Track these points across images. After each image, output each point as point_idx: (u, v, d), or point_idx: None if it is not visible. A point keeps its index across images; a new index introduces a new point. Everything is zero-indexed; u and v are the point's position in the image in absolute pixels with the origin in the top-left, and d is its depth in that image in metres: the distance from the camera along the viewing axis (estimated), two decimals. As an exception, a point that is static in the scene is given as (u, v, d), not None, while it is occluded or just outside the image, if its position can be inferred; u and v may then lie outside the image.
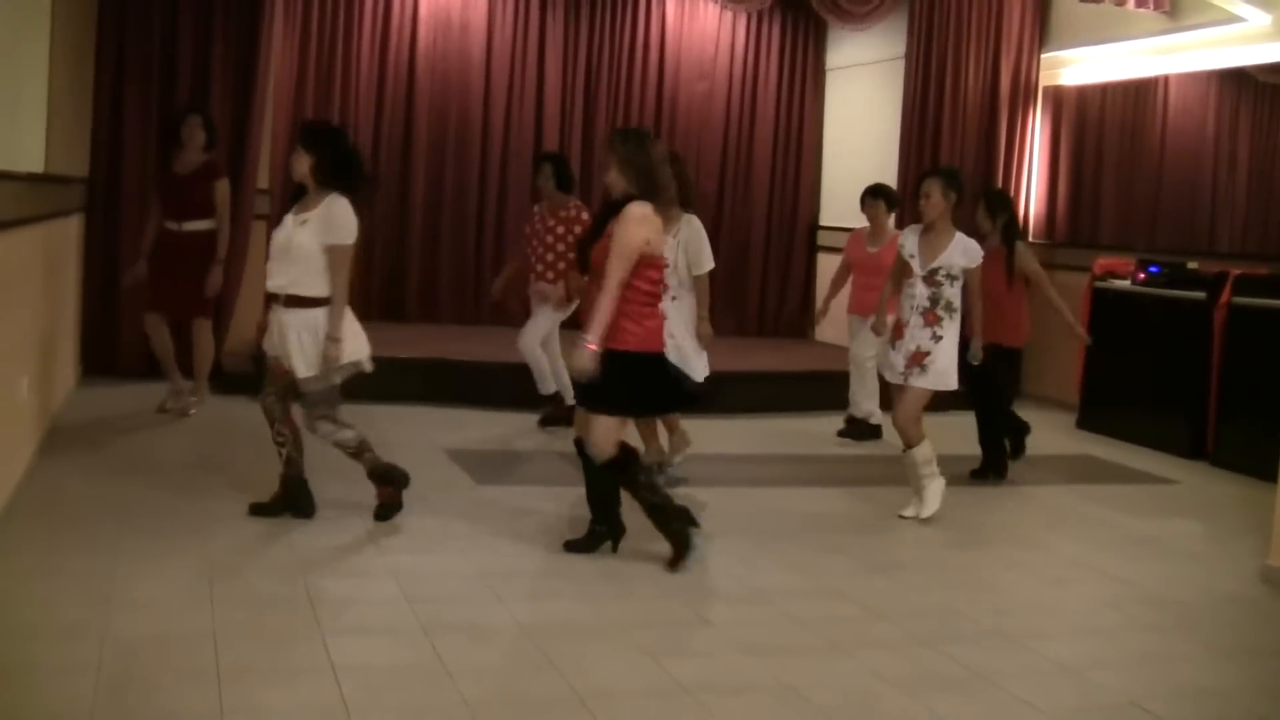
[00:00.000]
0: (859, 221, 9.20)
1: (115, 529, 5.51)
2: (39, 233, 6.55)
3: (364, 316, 11.02)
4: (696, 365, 6.98)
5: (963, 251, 6.64)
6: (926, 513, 6.71)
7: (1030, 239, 11.22)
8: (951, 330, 6.66)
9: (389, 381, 8.87)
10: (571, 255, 7.98)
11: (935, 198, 6.66)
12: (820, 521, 6.67)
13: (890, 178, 11.25)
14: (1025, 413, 10.33)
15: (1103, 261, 10.03)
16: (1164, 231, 9.96)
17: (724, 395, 9.34)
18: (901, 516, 6.73)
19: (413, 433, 7.96)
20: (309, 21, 11.08)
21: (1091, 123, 10.80)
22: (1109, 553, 6.47)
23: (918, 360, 6.64)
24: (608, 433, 5.47)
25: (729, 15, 12.54)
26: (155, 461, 6.85)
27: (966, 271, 6.67)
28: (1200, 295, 8.99)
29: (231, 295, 9.00)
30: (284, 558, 5.35)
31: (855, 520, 6.71)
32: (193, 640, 4.32)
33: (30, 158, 6.31)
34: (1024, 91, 11.28)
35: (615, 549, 5.73)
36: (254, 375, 8.76)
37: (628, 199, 5.36)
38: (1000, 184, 11.17)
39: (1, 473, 5.66)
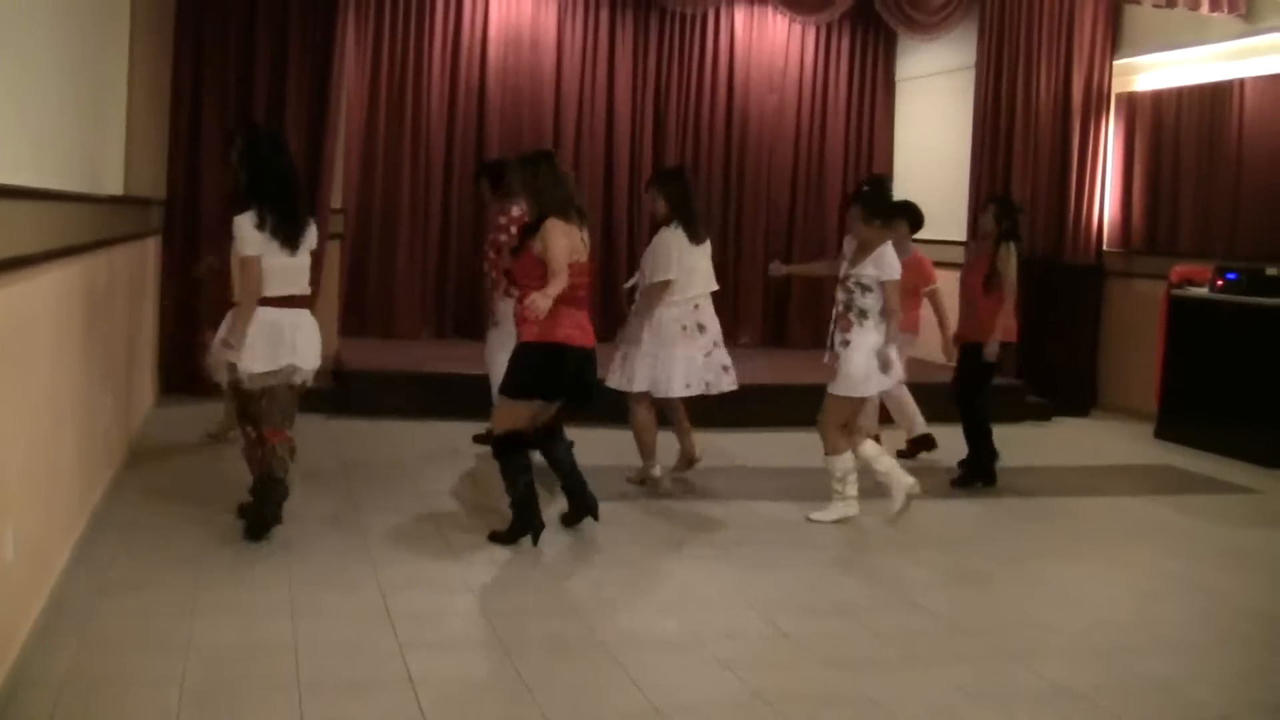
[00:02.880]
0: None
1: (198, 543, 5.57)
2: (120, 254, 6.65)
3: (439, 334, 11.35)
4: (677, 375, 7.00)
5: (873, 262, 6.52)
6: (825, 518, 6.67)
7: (1105, 247, 11.11)
8: (862, 337, 6.52)
9: (468, 396, 8.95)
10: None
11: (861, 228, 6.64)
12: (898, 533, 6.60)
13: (962, 188, 11.21)
14: (1103, 424, 10.23)
15: (1180, 269, 9.88)
16: (1242, 238, 9.79)
17: (793, 407, 9.34)
18: (808, 518, 6.72)
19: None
20: (380, 41, 11.22)
21: (1166, 129, 10.64)
22: (1199, 564, 6.35)
23: (832, 365, 6.67)
24: (507, 414, 5.92)
25: (798, 27, 12.52)
26: (234, 478, 6.90)
27: (881, 283, 6.51)
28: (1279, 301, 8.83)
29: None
30: (363, 571, 5.38)
31: (934, 532, 6.63)
32: (275, 652, 4.36)
33: (110, 181, 6.42)
34: (1097, 99, 11.15)
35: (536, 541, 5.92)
36: (328, 391, 8.89)
37: (542, 218, 5.83)
38: (1074, 193, 11.05)
39: (88, 489, 5.75)
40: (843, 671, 4.55)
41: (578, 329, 5.88)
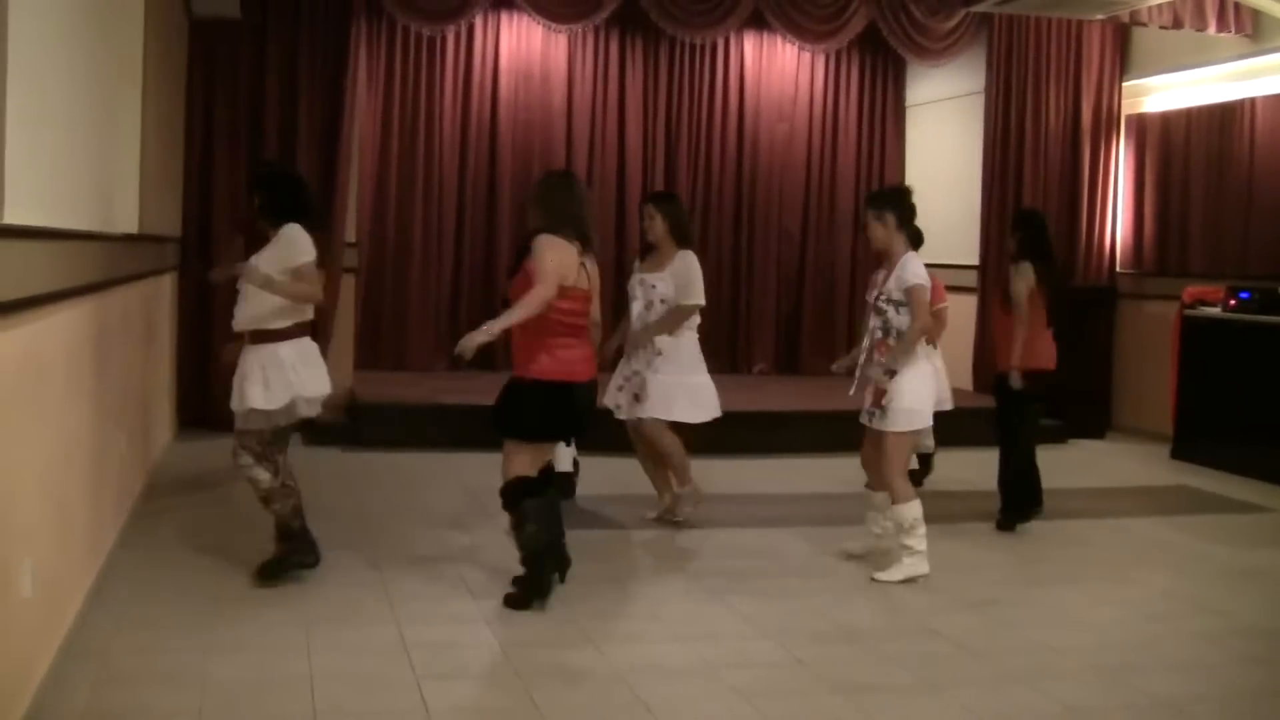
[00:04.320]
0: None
1: (214, 578, 5.61)
2: (135, 291, 6.72)
3: (453, 366, 11.36)
4: (679, 403, 6.89)
5: (897, 274, 6.14)
6: (892, 578, 6.09)
7: (1118, 269, 11.11)
8: (909, 362, 6.12)
9: (476, 428, 8.99)
10: None
11: (873, 226, 6.28)
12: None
13: (974, 212, 11.21)
14: (1119, 445, 10.22)
15: (1192, 289, 9.88)
16: (1254, 257, 9.79)
17: (807, 433, 9.38)
18: (873, 579, 6.13)
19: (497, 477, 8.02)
20: (393, 76, 11.30)
21: (1176, 149, 10.67)
22: (1206, 585, 6.35)
23: (878, 400, 6.15)
24: (516, 460, 5.52)
25: (807, 56, 12.57)
26: (250, 512, 6.94)
27: (907, 289, 6.09)
28: (1293, 320, 8.84)
29: (322, 349, 9.11)
30: (379, 604, 5.41)
31: (944, 557, 6.63)
32: (290, 685, 4.39)
33: (124, 219, 6.49)
34: (1106, 120, 11.19)
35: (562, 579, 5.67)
36: (344, 425, 8.95)
37: (537, 233, 5.52)
38: (1086, 215, 11.07)
39: (104, 525, 5.79)
40: (855, 697, 4.56)
41: (582, 362, 5.56)
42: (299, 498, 5.73)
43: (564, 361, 5.46)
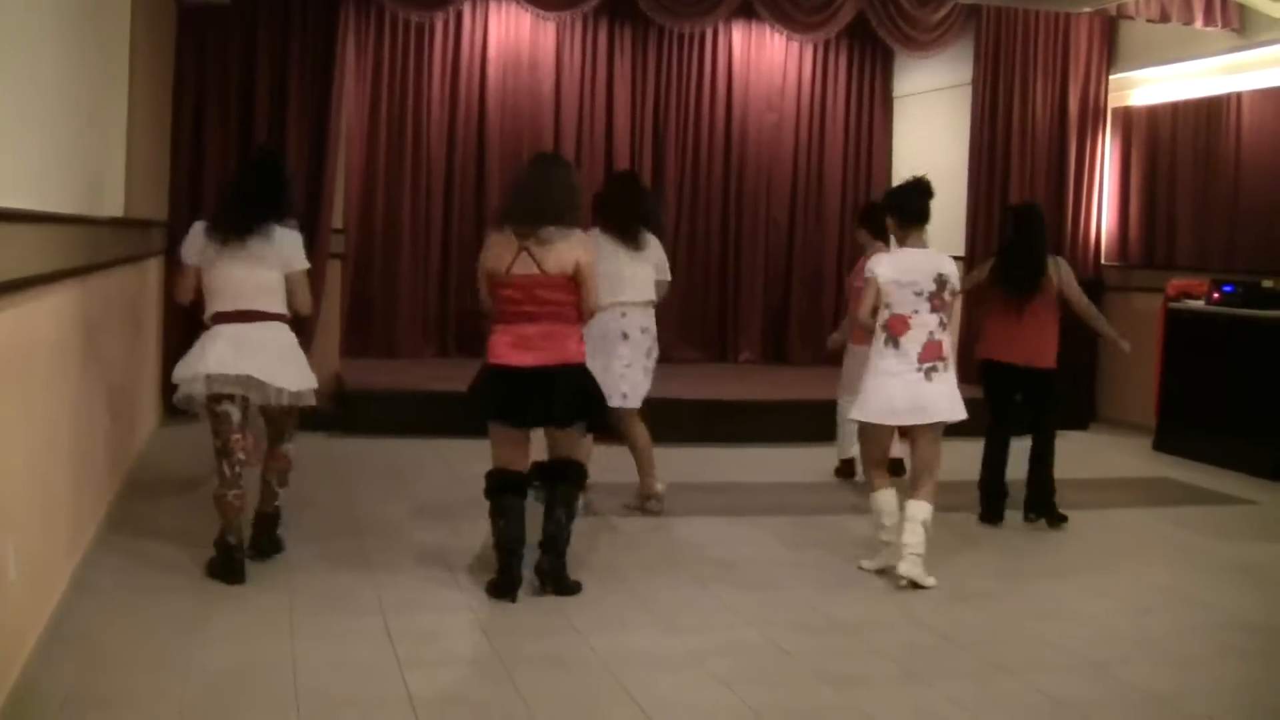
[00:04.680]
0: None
1: (198, 565, 5.59)
2: (121, 275, 6.70)
3: (442, 353, 11.39)
4: (622, 385, 6.78)
5: None
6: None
7: (1103, 261, 11.14)
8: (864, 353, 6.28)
9: (464, 415, 8.97)
10: None
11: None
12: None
13: (960, 204, 11.21)
14: (1102, 437, 10.27)
15: (1176, 282, 9.91)
16: (1239, 251, 9.82)
17: (793, 423, 9.38)
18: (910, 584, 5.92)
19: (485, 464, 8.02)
20: (380, 63, 11.29)
21: (1163, 143, 10.69)
22: (1194, 577, 6.37)
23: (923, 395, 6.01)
24: (491, 444, 5.63)
25: (796, 46, 12.57)
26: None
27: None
28: (1276, 314, 8.86)
29: (310, 334, 9.10)
30: (364, 592, 5.41)
31: (934, 547, 6.63)
32: (273, 672, 4.39)
33: (111, 203, 6.46)
34: (1093, 114, 11.20)
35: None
36: (332, 412, 8.92)
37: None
38: (1071, 207, 11.08)
39: (88, 512, 5.78)
40: (840, 687, 4.57)
41: (520, 347, 5.44)
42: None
43: (505, 346, 5.47)
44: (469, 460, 7.97)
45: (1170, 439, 9.75)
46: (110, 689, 4.19)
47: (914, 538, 5.88)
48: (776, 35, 12.28)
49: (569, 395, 5.50)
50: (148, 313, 8.22)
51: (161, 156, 8.89)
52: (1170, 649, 5.26)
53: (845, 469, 8.27)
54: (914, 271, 6.00)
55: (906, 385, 5.90)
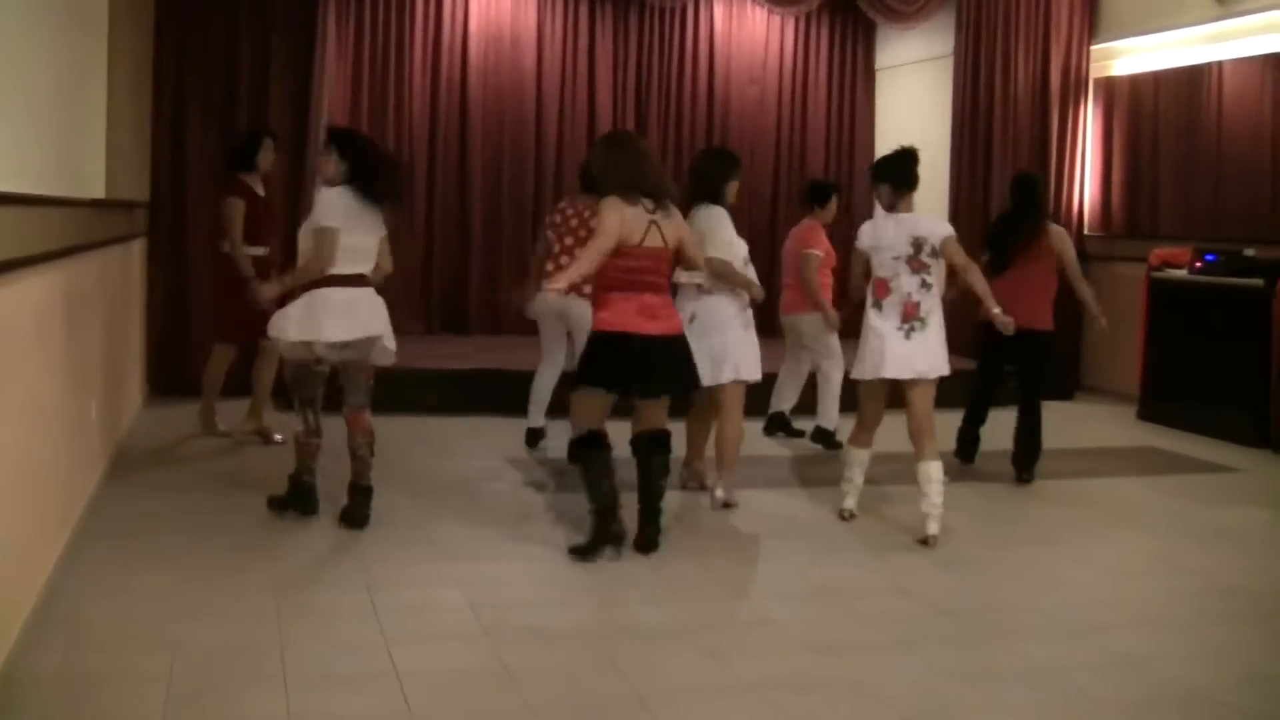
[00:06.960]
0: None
1: (185, 545, 5.60)
2: (103, 257, 6.68)
3: (427, 330, 11.38)
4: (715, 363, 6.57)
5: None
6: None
7: (1086, 231, 11.15)
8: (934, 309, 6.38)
9: (452, 392, 9.05)
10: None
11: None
12: (881, 521, 6.64)
13: (943, 175, 11.23)
14: (1087, 406, 10.33)
15: (1159, 252, 9.94)
16: (1222, 220, 9.84)
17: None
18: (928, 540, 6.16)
19: (478, 443, 8.04)
20: (362, 41, 11.25)
21: (1145, 113, 10.69)
22: (1176, 544, 6.41)
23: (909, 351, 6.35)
24: (580, 408, 5.83)
25: (777, 19, 12.56)
26: (222, 479, 6.96)
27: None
28: (1258, 282, 8.89)
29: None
30: (351, 568, 5.42)
31: (916, 517, 6.65)
32: (261, 650, 4.40)
33: (92, 184, 6.44)
34: (1075, 84, 11.19)
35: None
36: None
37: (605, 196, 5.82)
38: (1054, 178, 11.07)
39: (74, 493, 5.78)
40: (827, 656, 4.60)
41: (641, 315, 5.64)
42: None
43: (621, 314, 5.66)
44: (456, 437, 8.03)
45: (1154, 407, 9.80)
46: (99, 668, 4.19)
47: (940, 498, 6.16)
48: (758, 8, 12.28)
49: (687, 364, 5.89)
50: (132, 293, 8.21)
51: (143, 136, 8.85)
52: (1153, 613, 5.31)
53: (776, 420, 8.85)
54: (891, 237, 6.39)
55: (890, 343, 6.25)
